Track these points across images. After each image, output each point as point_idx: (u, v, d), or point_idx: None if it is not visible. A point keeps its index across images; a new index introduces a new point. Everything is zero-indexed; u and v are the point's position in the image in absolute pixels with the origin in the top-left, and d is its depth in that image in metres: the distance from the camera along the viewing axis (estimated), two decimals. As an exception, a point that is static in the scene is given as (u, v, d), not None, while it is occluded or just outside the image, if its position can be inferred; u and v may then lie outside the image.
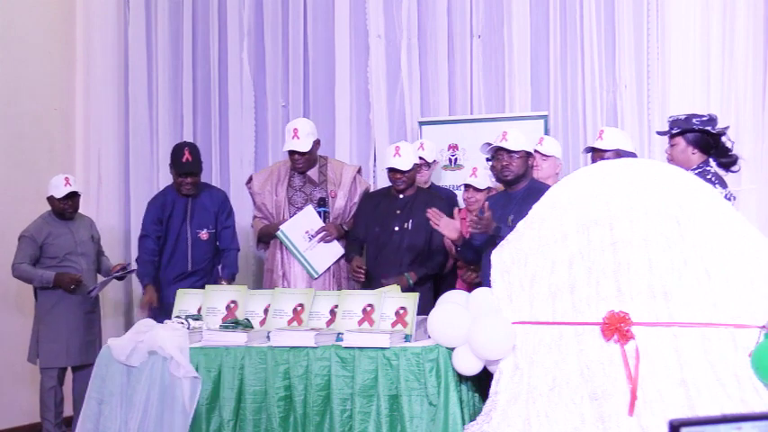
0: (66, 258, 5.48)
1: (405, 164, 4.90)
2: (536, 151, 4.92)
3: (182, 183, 5.16)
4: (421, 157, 5.33)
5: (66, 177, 5.53)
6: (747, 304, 3.59)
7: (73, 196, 5.51)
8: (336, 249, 5.17)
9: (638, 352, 3.60)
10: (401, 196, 4.99)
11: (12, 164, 6.10)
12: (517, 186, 4.42)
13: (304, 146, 5.06)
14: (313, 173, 5.23)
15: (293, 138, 5.06)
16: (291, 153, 5.11)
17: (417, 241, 4.95)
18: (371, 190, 5.45)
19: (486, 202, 4.41)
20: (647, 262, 3.69)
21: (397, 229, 4.94)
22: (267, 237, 5.27)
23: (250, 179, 5.40)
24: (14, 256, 5.47)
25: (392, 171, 4.94)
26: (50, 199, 5.52)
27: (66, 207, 5.49)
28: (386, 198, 5.06)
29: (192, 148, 5.22)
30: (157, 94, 6.63)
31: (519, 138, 4.42)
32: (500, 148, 4.39)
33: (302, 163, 5.15)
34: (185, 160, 5.11)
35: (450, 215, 5.03)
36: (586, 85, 5.74)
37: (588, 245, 3.80)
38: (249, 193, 5.42)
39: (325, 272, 5.14)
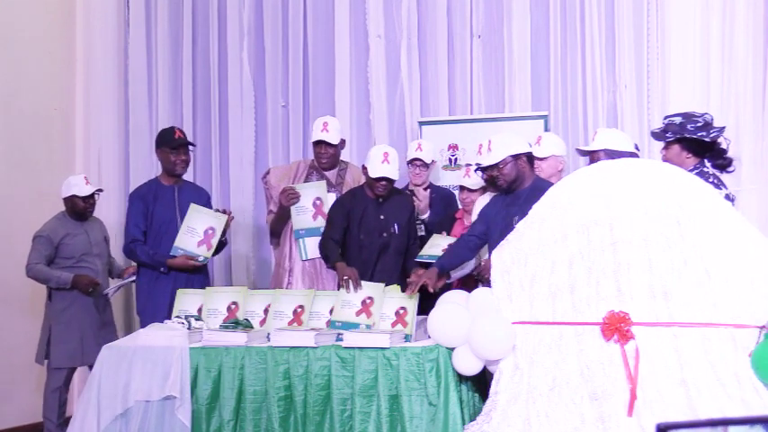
0: (81, 259, 5.45)
1: (394, 172, 4.82)
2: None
3: (176, 161, 5.04)
4: (419, 158, 5.32)
5: (85, 176, 5.54)
6: (747, 304, 3.59)
7: (93, 195, 5.50)
8: None
9: (638, 352, 3.61)
10: (380, 200, 4.94)
11: (12, 164, 6.10)
12: (520, 186, 4.38)
13: (333, 138, 5.05)
14: (331, 175, 5.16)
15: (322, 130, 5.05)
16: (318, 145, 5.07)
17: (402, 244, 4.94)
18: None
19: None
20: (647, 262, 3.69)
21: (385, 235, 4.89)
22: (279, 225, 5.17)
23: (267, 172, 5.34)
24: (29, 256, 5.43)
25: (379, 180, 4.77)
26: (72, 199, 5.49)
27: (88, 206, 5.48)
28: (361, 202, 4.90)
29: (180, 129, 5.19)
30: (157, 94, 6.63)
31: (496, 148, 4.35)
32: (484, 167, 4.39)
33: (327, 158, 5.09)
34: (178, 137, 5.04)
35: (447, 210, 5.11)
36: (586, 85, 5.74)
37: (588, 245, 3.80)
38: (264, 187, 5.33)
39: (312, 259, 5.06)
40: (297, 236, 4.99)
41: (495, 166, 4.34)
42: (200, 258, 4.94)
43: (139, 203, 5.08)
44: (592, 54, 5.72)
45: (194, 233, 4.92)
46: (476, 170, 4.60)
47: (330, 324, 4.35)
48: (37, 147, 6.32)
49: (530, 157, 4.45)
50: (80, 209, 5.48)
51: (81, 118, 6.71)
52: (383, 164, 4.73)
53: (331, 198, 5.04)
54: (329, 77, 6.26)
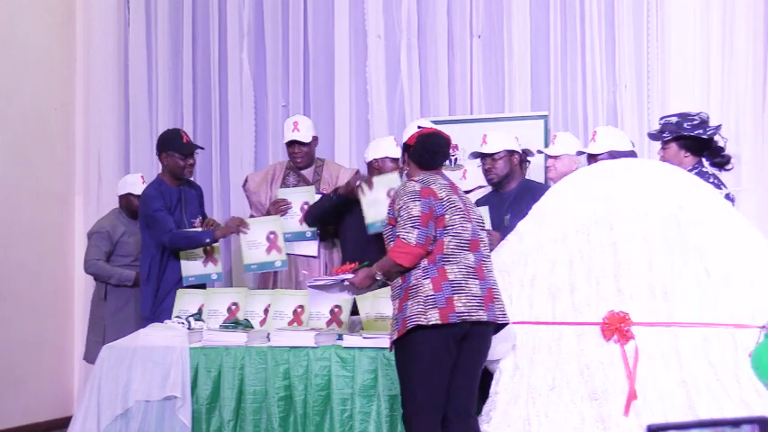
0: (138, 257, 5.31)
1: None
2: (542, 154, 4.91)
3: (185, 165, 5.00)
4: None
5: (141, 176, 5.57)
6: (747, 304, 3.59)
7: None
8: (311, 248, 5.11)
9: (638, 352, 3.61)
10: None
11: (12, 164, 6.10)
12: (507, 187, 4.48)
13: (305, 137, 5.13)
14: (308, 173, 5.23)
15: (293, 130, 5.14)
16: (291, 145, 5.15)
17: None
18: None
19: None
20: (647, 262, 3.70)
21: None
22: None
23: (246, 180, 5.40)
24: (87, 253, 5.45)
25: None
26: (127, 197, 5.52)
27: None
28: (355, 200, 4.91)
29: (184, 132, 5.18)
30: (157, 94, 6.62)
31: (497, 139, 4.48)
32: (481, 153, 4.46)
33: (302, 156, 5.16)
34: (187, 141, 5.02)
35: None
36: (586, 85, 5.74)
37: (588, 245, 3.81)
38: (245, 194, 5.40)
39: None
40: (284, 239, 5.00)
41: (491, 156, 4.41)
42: (214, 277, 4.93)
43: (160, 201, 4.96)
44: (592, 54, 5.71)
45: (194, 256, 4.88)
46: (470, 156, 4.63)
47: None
48: (37, 146, 6.31)
49: (521, 159, 4.54)
50: (135, 207, 5.45)
51: (81, 118, 6.70)
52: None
53: None
54: (329, 77, 6.26)
